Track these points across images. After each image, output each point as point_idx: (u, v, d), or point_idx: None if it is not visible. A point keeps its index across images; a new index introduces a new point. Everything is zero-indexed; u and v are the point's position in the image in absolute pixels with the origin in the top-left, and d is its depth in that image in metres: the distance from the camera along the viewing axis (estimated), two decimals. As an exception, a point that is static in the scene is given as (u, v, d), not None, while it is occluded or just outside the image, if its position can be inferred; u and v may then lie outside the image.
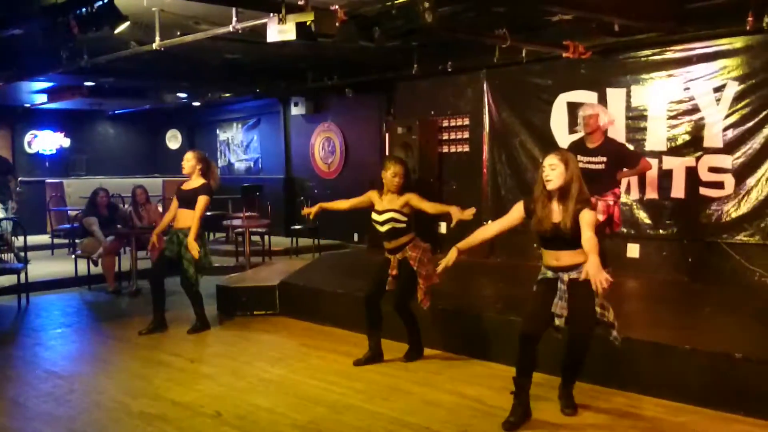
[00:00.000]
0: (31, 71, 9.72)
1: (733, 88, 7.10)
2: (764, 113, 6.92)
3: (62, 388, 5.31)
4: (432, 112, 10.04)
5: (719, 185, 7.22)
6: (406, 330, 5.84)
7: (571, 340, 4.40)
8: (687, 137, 7.45)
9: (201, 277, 6.96)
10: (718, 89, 7.19)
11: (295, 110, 13.44)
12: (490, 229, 4.69)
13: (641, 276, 7.59)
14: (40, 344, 6.71)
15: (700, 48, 7.30)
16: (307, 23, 5.67)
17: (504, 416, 4.40)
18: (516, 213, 4.55)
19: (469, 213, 5.21)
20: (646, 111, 7.76)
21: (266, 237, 11.29)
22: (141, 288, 9.08)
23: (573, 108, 8.12)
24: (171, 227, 7.00)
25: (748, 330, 5.39)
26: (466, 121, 9.69)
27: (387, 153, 10.42)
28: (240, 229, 10.81)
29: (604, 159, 6.51)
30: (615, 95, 7.86)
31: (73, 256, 9.82)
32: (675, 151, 7.51)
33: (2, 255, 10.12)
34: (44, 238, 12.70)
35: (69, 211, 12.54)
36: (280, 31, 5.82)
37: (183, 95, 13.57)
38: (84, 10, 5.81)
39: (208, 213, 7.73)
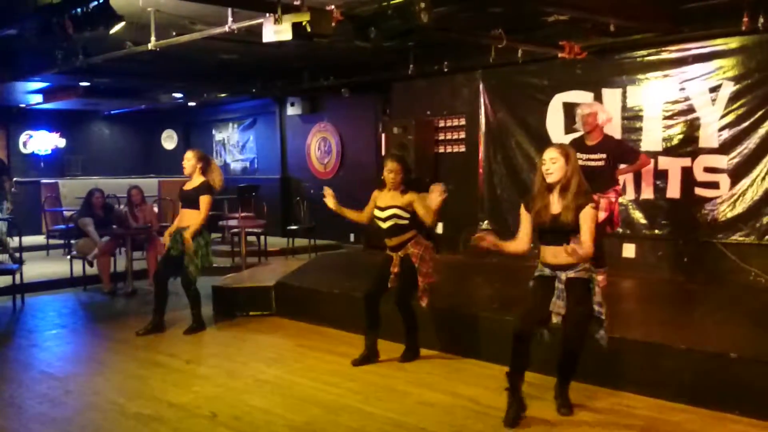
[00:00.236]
0: (27, 71, 9.70)
1: (729, 89, 7.11)
2: (759, 113, 6.93)
3: (58, 389, 5.31)
4: (428, 112, 10.03)
5: (714, 185, 7.22)
6: (404, 329, 5.83)
7: (567, 339, 4.41)
8: (682, 137, 7.46)
9: (199, 276, 6.96)
10: (714, 89, 7.20)
11: (291, 110, 13.43)
12: (522, 241, 4.64)
13: (637, 276, 7.59)
14: (35, 345, 6.69)
15: (695, 48, 7.31)
16: (303, 23, 5.67)
17: (500, 416, 4.41)
18: (524, 216, 4.56)
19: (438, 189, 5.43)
20: (641, 111, 7.76)
21: (262, 237, 11.28)
22: (136, 289, 9.08)
23: (569, 108, 8.13)
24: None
25: (743, 330, 5.39)
26: (462, 121, 9.68)
27: (383, 153, 10.42)
28: (236, 230, 10.81)
29: (604, 156, 6.52)
30: (611, 95, 7.87)
31: (69, 257, 9.80)
32: (670, 151, 7.52)
33: (-3, 256, 10.11)
34: (39, 239, 12.67)
35: (64, 212, 12.53)
36: (276, 31, 5.81)
37: (179, 95, 13.55)
38: (79, 10, 5.80)
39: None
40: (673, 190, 7.52)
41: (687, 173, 7.40)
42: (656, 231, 7.70)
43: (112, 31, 6.14)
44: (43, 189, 14.15)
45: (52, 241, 12.41)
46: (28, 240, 10.70)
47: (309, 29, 5.67)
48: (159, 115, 16.08)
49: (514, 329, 4.36)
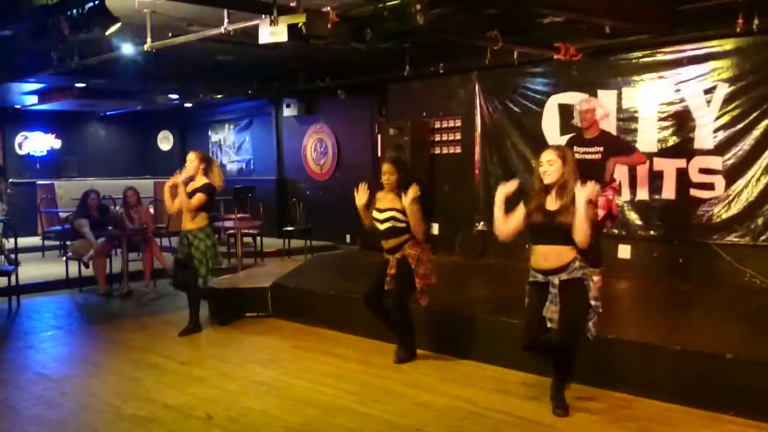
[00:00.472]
0: (22, 72, 9.68)
1: (724, 90, 7.13)
2: (754, 115, 6.95)
3: (53, 390, 5.30)
4: (424, 114, 10.04)
5: (710, 186, 7.24)
6: (397, 330, 5.83)
7: (562, 339, 4.42)
8: (677, 139, 7.47)
9: (210, 278, 6.98)
10: (709, 91, 7.22)
11: (287, 111, 13.42)
12: (510, 223, 4.60)
13: (632, 277, 7.61)
14: (30, 347, 6.68)
15: (690, 50, 7.33)
16: (299, 25, 5.67)
17: (497, 417, 4.44)
18: (520, 208, 4.58)
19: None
20: (637, 113, 7.78)
21: (258, 238, 11.28)
22: (132, 290, 9.06)
23: (564, 109, 8.15)
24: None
25: (739, 330, 5.42)
26: (458, 123, 9.69)
27: (379, 154, 10.43)
28: (232, 231, 10.79)
29: (601, 149, 6.60)
30: (606, 97, 7.87)
31: (64, 258, 9.78)
32: (666, 152, 7.54)
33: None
34: (35, 240, 12.65)
35: (60, 213, 12.50)
36: (271, 32, 5.81)
37: (174, 96, 13.53)
38: (75, 11, 5.79)
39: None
40: (669, 191, 7.54)
41: (682, 174, 7.42)
42: (651, 232, 7.72)
43: (107, 33, 6.13)
44: (38, 190, 14.11)
45: (47, 243, 12.39)
46: (24, 241, 10.69)
47: (305, 31, 5.67)
48: (155, 116, 16.06)
49: (521, 344, 4.50)
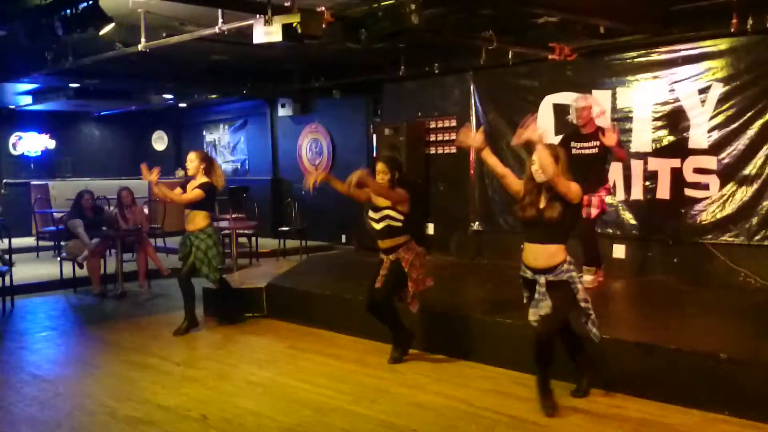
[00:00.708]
0: (16, 72, 9.65)
1: (718, 90, 7.14)
2: (749, 115, 6.96)
3: (47, 392, 5.28)
4: (419, 114, 10.04)
5: (704, 186, 7.25)
6: (390, 330, 5.81)
7: (537, 334, 4.48)
8: (672, 138, 7.48)
9: (217, 276, 7.00)
10: (703, 91, 7.23)
11: (282, 111, 13.41)
12: (509, 175, 4.65)
13: (627, 276, 7.62)
14: (25, 348, 6.66)
15: (684, 50, 7.33)
16: (294, 25, 5.67)
17: (492, 417, 4.44)
18: (518, 181, 4.62)
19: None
20: (631, 113, 7.79)
21: (253, 239, 11.26)
22: (126, 291, 9.05)
23: (559, 109, 8.16)
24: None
25: (734, 330, 5.43)
26: (453, 123, 9.69)
27: (375, 154, 10.43)
28: (227, 231, 10.77)
29: (597, 143, 6.66)
30: (600, 97, 7.88)
31: (59, 259, 9.76)
32: (660, 152, 7.54)
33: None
34: (29, 241, 12.62)
35: (54, 214, 12.46)
36: (266, 32, 5.81)
37: (169, 96, 13.51)
38: (69, 11, 5.79)
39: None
40: (663, 191, 7.54)
41: (677, 174, 7.43)
42: (646, 232, 7.72)
43: (101, 33, 6.13)
44: (32, 190, 14.07)
45: (41, 243, 12.36)
46: (18, 242, 10.64)
47: (299, 30, 5.67)
48: (149, 116, 16.02)
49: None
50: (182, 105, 14.67)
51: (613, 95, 7.91)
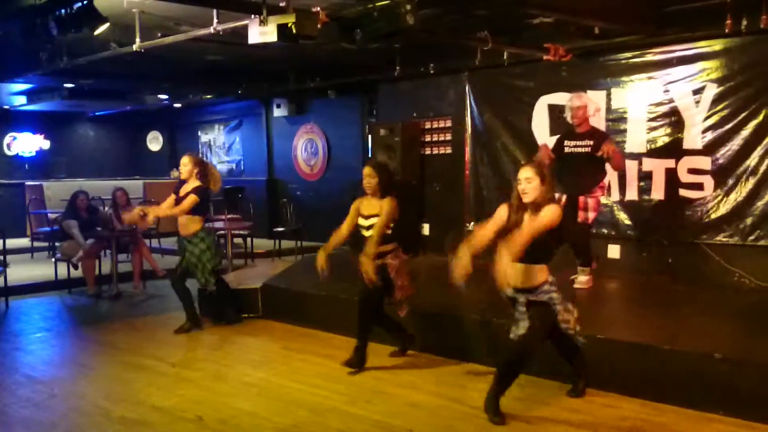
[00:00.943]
0: (10, 73, 9.63)
1: (712, 91, 7.15)
2: (743, 115, 6.97)
3: (42, 393, 5.26)
4: (414, 114, 10.04)
5: (699, 186, 7.27)
6: (358, 332, 5.65)
7: (511, 351, 4.46)
8: (667, 139, 7.50)
9: (211, 279, 7.00)
10: (698, 91, 7.25)
11: (278, 112, 13.41)
12: (487, 232, 4.56)
13: (622, 277, 7.63)
14: (19, 349, 6.64)
15: (679, 51, 7.35)
16: (289, 25, 5.66)
17: (487, 417, 4.43)
18: (502, 212, 4.56)
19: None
20: (626, 113, 7.80)
21: (248, 239, 11.25)
22: (121, 291, 9.03)
23: (554, 110, 8.17)
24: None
25: (728, 330, 5.44)
26: (449, 123, 9.70)
27: (370, 155, 10.43)
28: (222, 232, 10.76)
29: (591, 142, 6.67)
30: (595, 97, 7.88)
31: (53, 260, 9.74)
32: (655, 152, 7.56)
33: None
34: (24, 242, 12.59)
35: (49, 214, 12.43)
36: (261, 32, 5.80)
37: (164, 97, 13.49)
38: (63, 11, 5.77)
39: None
40: (658, 192, 7.56)
41: (671, 175, 7.45)
42: (641, 232, 7.74)
43: (96, 33, 6.11)
44: (27, 191, 14.02)
45: (36, 244, 12.33)
46: (13, 243, 10.62)
47: (294, 31, 5.66)
48: (144, 116, 16.00)
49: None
50: (177, 105, 14.64)
51: (608, 96, 7.93)
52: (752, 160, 6.93)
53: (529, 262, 4.39)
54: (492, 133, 9.10)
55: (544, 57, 7.66)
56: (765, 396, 4.40)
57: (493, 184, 9.10)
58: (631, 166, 7.66)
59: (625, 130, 7.79)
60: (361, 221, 5.63)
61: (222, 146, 15.38)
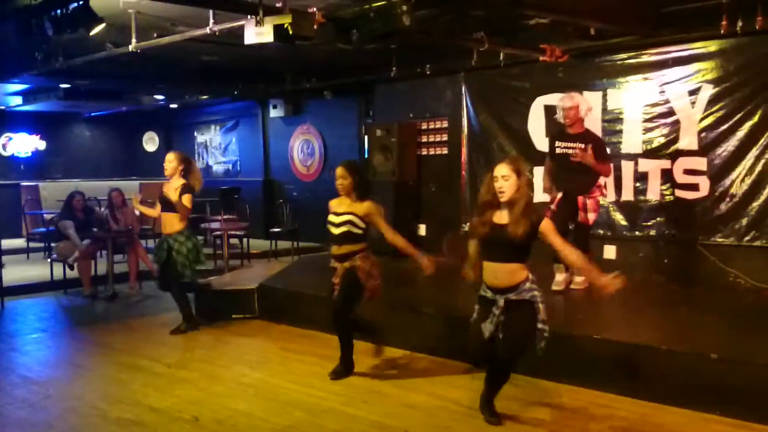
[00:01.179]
0: (6, 73, 9.61)
1: (708, 91, 7.17)
2: (738, 116, 7.00)
3: (38, 394, 5.25)
4: (411, 115, 10.05)
5: (694, 187, 7.28)
6: (339, 343, 5.52)
7: (501, 357, 4.35)
8: (662, 140, 7.51)
9: (195, 278, 7.03)
10: (693, 92, 7.27)
11: (274, 112, 13.40)
12: (474, 247, 4.57)
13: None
14: (15, 349, 6.62)
15: (675, 51, 7.37)
16: (285, 25, 5.66)
17: (483, 417, 4.43)
18: (473, 244, 4.56)
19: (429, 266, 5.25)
20: (622, 114, 7.82)
21: (245, 240, 11.24)
22: (117, 292, 9.01)
23: (550, 111, 8.18)
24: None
25: (724, 330, 5.45)
26: (445, 124, 9.71)
27: (366, 155, 10.43)
28: (218, 232, 10.75)
29: (582, 145, 6.60)
30: (591, 98, 7.89)
31: (49, 260, 9.71)
32: (651, 153, 7.58)
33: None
34: (19, 242, 12.56)
35: (45, 215, 12.41)
36: (257, 33, 5.80)
37: (160, 97, 13.47)
38: (59, 11, 5.76)
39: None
40: (654, 192, 7.57)
41: (667, 175, 7.46)
42: (637, 232, 7.75)
43: (92, 33, 6.10)
44: (23, 192, 14.00)
45: (32, 244, 12.29)
46: (8, 243, 10.61)
47: (291, 31, 5.66)
48: (140, 117, 15.98)
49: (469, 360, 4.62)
50: (173, 106, 14.63)
51: (604, 96, 7.95)
52: (748, 161, 6.96)
53: (510, 261, 4.28)
54: (488, 134, 9.11)
55: (541, 58, 7.67)
56: (761, 396, 4.41)
57: (490, 184, 9.09)
58: (626, 167, 7.67)
59: (621, 131, 7.81)
60: (332, 218, 5.45)
61: (218, 147, 15.37)
